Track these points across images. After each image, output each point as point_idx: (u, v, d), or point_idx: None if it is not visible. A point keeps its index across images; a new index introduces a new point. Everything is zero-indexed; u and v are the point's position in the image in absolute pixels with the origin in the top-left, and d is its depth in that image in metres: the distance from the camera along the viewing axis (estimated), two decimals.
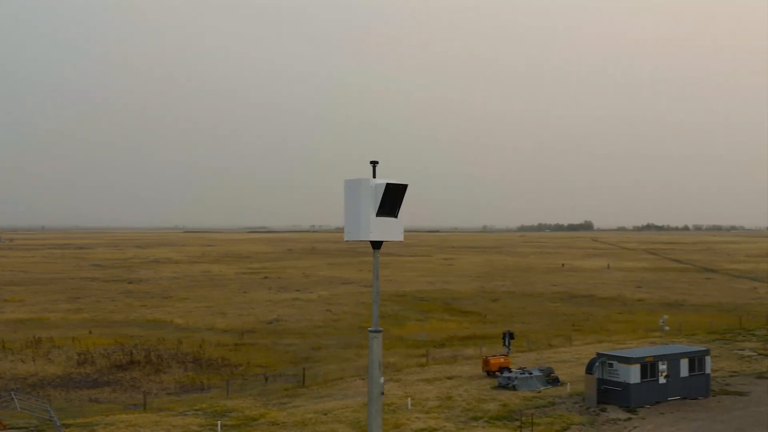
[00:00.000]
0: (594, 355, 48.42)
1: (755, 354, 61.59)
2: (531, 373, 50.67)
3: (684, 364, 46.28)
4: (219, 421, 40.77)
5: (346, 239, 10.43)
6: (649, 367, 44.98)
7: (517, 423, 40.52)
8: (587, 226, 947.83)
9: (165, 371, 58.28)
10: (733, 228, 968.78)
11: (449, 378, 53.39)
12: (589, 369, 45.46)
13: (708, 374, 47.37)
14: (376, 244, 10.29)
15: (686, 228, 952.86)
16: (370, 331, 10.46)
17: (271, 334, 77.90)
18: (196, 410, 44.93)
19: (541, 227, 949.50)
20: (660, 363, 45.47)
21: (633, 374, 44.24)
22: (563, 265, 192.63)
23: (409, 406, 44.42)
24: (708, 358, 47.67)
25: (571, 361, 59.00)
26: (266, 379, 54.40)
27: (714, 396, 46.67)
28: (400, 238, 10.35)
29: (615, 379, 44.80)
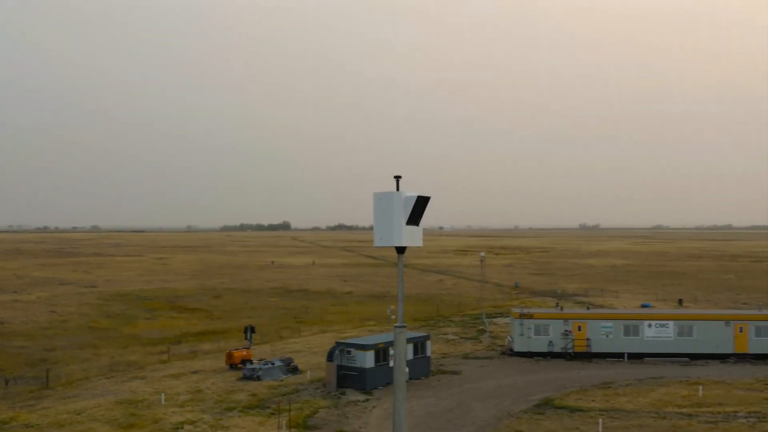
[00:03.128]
0: (332, 344, 50.48)
1: (458, 338, 67.29)
2: (273, 364, 51.55)
3: (409, 348, 49.68)
4: None
5: (376, 245, 10.73)
6: (381, 353, 47.77)
7: (269, 410, 41.24)
8: (285, 226, 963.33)
9: None
10: None
11: (194, 372, 52.72)
12: (330, 357, 47.28)
13: (429, 357, 51.27)
14: (401, 250, 10.75)
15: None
16: (396, 327, 10.89)
17: None
18: None
19: (243, 227, 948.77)
20: (390, 348, 48.45)
21: (368, 360, 46.74)
22: (272, 262, 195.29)
23: (163, 401, 43.43)
24: (429, 343, 51.58)
25: (304, 351, 60.67)
26: (6, 382, 50.19)
27: (434, 375, 50.59)
28: (420, 244, 10.87)
29: (352, 365, 47.01)
